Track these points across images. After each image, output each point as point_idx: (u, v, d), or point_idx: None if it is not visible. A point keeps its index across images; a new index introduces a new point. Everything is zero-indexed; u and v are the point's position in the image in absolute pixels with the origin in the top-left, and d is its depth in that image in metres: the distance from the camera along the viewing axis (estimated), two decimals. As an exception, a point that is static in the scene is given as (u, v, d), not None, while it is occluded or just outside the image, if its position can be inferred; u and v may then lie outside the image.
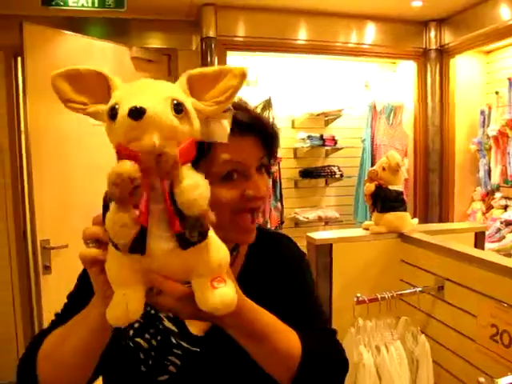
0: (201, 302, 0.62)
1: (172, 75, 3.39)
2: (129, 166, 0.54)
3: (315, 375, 0.80)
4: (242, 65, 3.70)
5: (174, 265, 0.61)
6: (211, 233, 0.63)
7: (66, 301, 0.92)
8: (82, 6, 2.76)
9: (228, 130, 0.69)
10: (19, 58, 2.93)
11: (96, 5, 2.76)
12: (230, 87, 0.62)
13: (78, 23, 3.13)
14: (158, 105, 0.56)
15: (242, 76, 0.62)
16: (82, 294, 0.78)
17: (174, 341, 0.85)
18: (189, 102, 0.60)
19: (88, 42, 2.85)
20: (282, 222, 3.77)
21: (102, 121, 0.61)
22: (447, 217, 3.94)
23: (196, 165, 0.64)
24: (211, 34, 3.32)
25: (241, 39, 3.45)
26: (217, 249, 0.64)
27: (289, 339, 0.79)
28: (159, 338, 0.85)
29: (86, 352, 0.75)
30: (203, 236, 0.61)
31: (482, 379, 1.06)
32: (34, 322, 3.21)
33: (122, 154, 0.56)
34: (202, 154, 0.74)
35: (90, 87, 0.63)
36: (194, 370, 0.85)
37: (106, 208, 0.59)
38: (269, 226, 3.60)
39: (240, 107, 0.83)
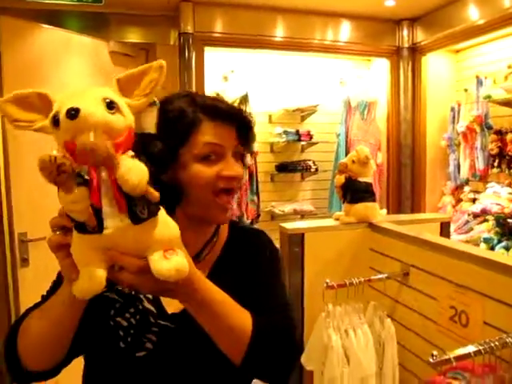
0: (156, 270, 0.68)
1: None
2: (51, 153, 0.63)
3: (265, 354, 0.86)
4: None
5: (130, 241, 0.69)
6: (161, 211, 0.72)
7: (50, 285, 0.98)
8: (60, -1, 2.78)
9: (155, 121, 0.81)
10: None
11: (74, -2, 2.78)
12: (153, 80, 0.71)
13: (55, 16, 3.14)
14: (91, 103, 0.65)
15: (161, 68, 0.71)
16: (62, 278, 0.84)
17: (153, 320, 0.91)
18: (121, 100, 0.69)
19: (66, 36, 2.87)
20: (258, 215, 3.85)
21: (49, 133, 0.69)
22: (419, 210, 4.07)
23: (179, 148, 0.85)
24: (189, 29, 3.37)
25: (218, 35, 3.51)
26: (167, 224, 0.72)
27: (241, 317, 0.85)
28: (138, 317, 0.91)
29: (60, 324, 0.82)
30: (153, 213, 0.70)
31: (434, 352, 1.15)
32: (11, 315, 3.21)
33: (68, 149, 0.65)
34: (183, 142, 0.87)
35: (36, 105, 0.71)
36: (169, 346, 0.91)
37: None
38: (245, 219, 3.67)
39: (219, 99, 0.95)
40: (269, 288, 1.00)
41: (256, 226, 3.60)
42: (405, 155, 4.06)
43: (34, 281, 2.60)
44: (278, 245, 1.21)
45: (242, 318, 0.85)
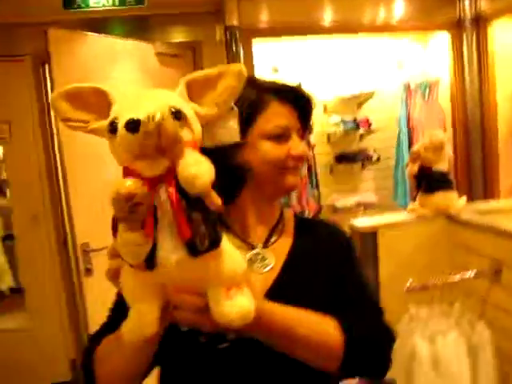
0: (216, 314, 0.60)
1: (197, 68, 3.34)
2: (126, 184, 0.53)
3: (362, 358, 0.83)
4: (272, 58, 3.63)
5: (186, 276, 0.59)
6: (225, 241, 0.62)
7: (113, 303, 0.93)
8: (103, 5, 2.75)
9: (237, 128, 0.70)
10: (46, 66, 2.93)
11: (117, 3, 2.74)
12: (229, 87, 0.61)
13: (99, 24, 3.10)
14: (155, 114, 0.54)
15: (240, 74, 0.61)
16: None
17: None
18: (189, 108, 0.59)
19: (112, 42, 2.83)
20: (320, 209, 3.69)
21: (103, 137, 0.60)
22: (492, 192, 3.76)
23: (248, 129, 0.85)
24: (235, 22, 3.25)
25: (265, 26, 3.36)
26: (232, 257, 0.62)
27: (324, 331, 0.80)
28: None
29: (136, 361, 0.77)
30: (215, 244, 0.59)
31: None
32: (79, 324, 3.25)
33: (126, 172, 0.56)
34: (251, 121, 0.87)
35: (90, 104, 0.62)
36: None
37: (114, 228, 0.58)
38: (307, 214, 3.53)
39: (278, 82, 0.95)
40: (356, 285, 0.95)
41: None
42: (473, 136, 3.75)
43: (98, 289, 2.59)
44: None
45: (327, 331, 0.81)
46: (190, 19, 3.41)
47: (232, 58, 3.24)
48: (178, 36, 3.40)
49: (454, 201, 1.98)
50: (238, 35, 3.25)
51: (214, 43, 3.39)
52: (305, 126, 0.95)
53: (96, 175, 2.63)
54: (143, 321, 0.60)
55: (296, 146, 0.90)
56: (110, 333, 0.81)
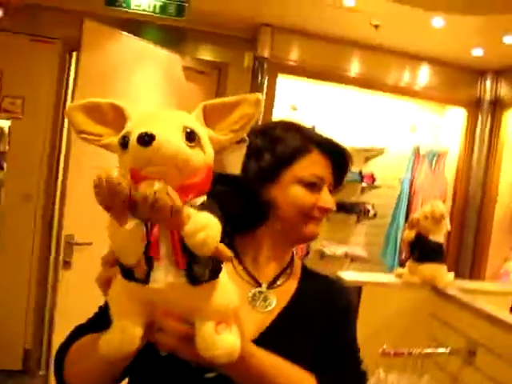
0: (201, 347, 0.58)
1: (221, 88, 3.38)
2: (112, 171, 0.52)
3: None
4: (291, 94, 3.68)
5: (179, 301, 0.58)
6: (223, 274, 0.60)
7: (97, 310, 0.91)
8: (144, 10, 2.79)
9: (240, 160, 0.72)
10: (74, 53, 2.96)
11: (157, 11, 2.78)
12: (245, 115, 0.61)
13: (134, 26, 3.15)
14: (169, 131, 0.54)
15: (257, 103, 0.62)
16: None
17: None
18: (203, 132, 0.59)
19: (143, 46, 2.86)
20: (307, 253, 3.68)
21: (116, 153, 0.59)
22: (479, 272, 3.77)
23: (283, 168, 0.89)
24: (266, 53, 3.31)
25: (293, 63, 3.43)
26: (227, 291, 0.61)
27: None
28: None
29: (108, 371, 0.75)
30: (214, 275, 0.58)
31: None
32: (44, 314, 3.18)
33: (133, 177, 0.54)
34: (289, 163, 0.89)
35: (106, 119, 0.62)
36: None
37: None
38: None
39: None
40: (347, 350, 0.94)
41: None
42: (470, 212, 3.79)
43: (74, 284, 2.55)
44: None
45: None
46: (223, 40, 3.48)
47: (256, 86, 3.29)
48: (208, 54, 3.46)
49: (443, 274, 1.99)
50: (265, 66, 3.31)
51: (241, 68, 3.44)
52: (337, 182, 0.96)
53: (97, 170, 2.62)
54: (124, 337, 0.58)
55: (325, 198, 0.91)
56: (91, 331, 0.79)
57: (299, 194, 0.90)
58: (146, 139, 0.52)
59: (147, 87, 2.82)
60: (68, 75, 3.17)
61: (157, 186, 0.51)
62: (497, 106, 3.71)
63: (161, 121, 0.56)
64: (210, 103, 0.62)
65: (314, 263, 3.66)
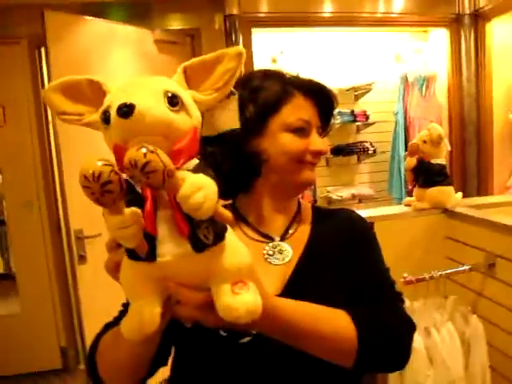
0: (221, 310, 0.56)
1: (197, 55, 3.29)
2: (94, 165, 0.48)
3: (378, 351, 0.79)
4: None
5: (189, 270, 0.57)
6: (229, 234, 0.58)
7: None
8: (103, -11, 2.69)
9: (236, 114, 0.67)
10: (42, 49, 2.89)
11: (116, -13, 2.68)
12: (228, 70, 0.58)
13: (98, 9, 3.05)
14: (149, 98, 0.52)
15: (239, 56, 0.59)
16: None
17: None
18: (187, 94, 0.56)
19: (110, 27, 2.78)
20: (315, 201, 3.69)
21: (99, 129, 0.57)
22: (486, 190, 3.78)
23: (269, 117, 0.86)
24: (234, 11, 3.22)
25: (265, 15, 3.35)
26: (236, 250, 0.59)
27: (337, 325, 0.77)
28: None
29: (137, 356, 0.74)
30: (219, 238, 0.56)
31: None
32: (72, 311, 3.24)
33: (117, 154, 0.52)
34: (274, 110, 0.87)
35: (85, 96, 0.59)
36: None
37: None
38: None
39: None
40: (375, 273, 0.92)
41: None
42: (469, 132, 3.76)
43: (92, 276, 2.57)
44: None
45: (341, 325, 0.77)
46: (189, 7, 3.36)
47: (231, 46, 3.20)
48: (177, 23, 3.36)
49: (451, 195, 1.99)
50: (237, 24, 3.22)
51: (213, 31, 3.35)
52: (325, 124, 0.95)
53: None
54: (143, 318, 0.57)
55: (315, 141, 0.90)
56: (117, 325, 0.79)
57: (288, 141, 0.88)
58: (126, 110, 0.50)
59: (122, 67, 2.76)
60: (42, 72, 3.10)
61: (144, 149, 0.48)
62: (478, 19, 3.62)
63: (140, 89, 0.54)
64: (189, 63, 0.60)
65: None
